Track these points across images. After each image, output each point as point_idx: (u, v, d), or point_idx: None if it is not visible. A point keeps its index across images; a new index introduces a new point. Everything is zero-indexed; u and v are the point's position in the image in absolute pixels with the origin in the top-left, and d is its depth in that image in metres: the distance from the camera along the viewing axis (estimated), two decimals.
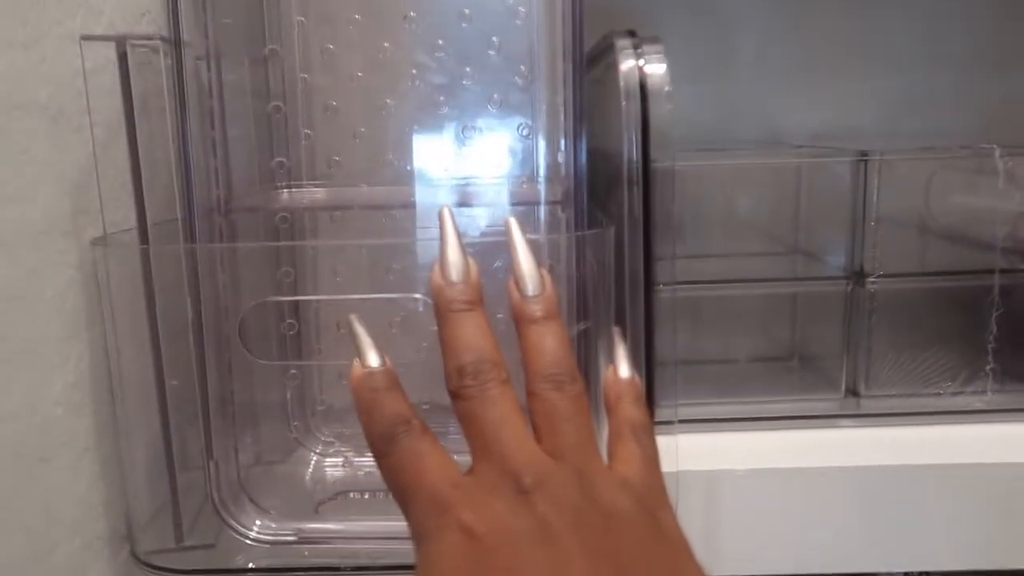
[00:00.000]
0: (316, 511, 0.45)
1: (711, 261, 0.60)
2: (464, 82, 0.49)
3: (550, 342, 0.29)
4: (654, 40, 0.38)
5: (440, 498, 0.26)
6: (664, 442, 0.40)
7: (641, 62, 0.37)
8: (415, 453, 0.27)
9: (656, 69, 0.36)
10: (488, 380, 0.28)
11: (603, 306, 0.41)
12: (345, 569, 0.41)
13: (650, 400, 0.43)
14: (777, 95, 0.75)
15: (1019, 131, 0.71)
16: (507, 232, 0.30)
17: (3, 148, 0.35)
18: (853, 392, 0.55)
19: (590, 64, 0.45)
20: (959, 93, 0.73)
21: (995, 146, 0.53)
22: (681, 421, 0.46)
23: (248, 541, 0.42)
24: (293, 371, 0.50)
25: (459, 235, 0.30)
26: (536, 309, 0.29)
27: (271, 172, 0.49)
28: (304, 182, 0.50)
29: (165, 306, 0.41)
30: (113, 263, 0.39)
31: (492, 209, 0.48)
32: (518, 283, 0.30)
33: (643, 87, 0.36)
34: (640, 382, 0.32)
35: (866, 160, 0.53)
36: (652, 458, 0.29)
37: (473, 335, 0.28)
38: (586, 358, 0.41)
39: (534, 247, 0.31)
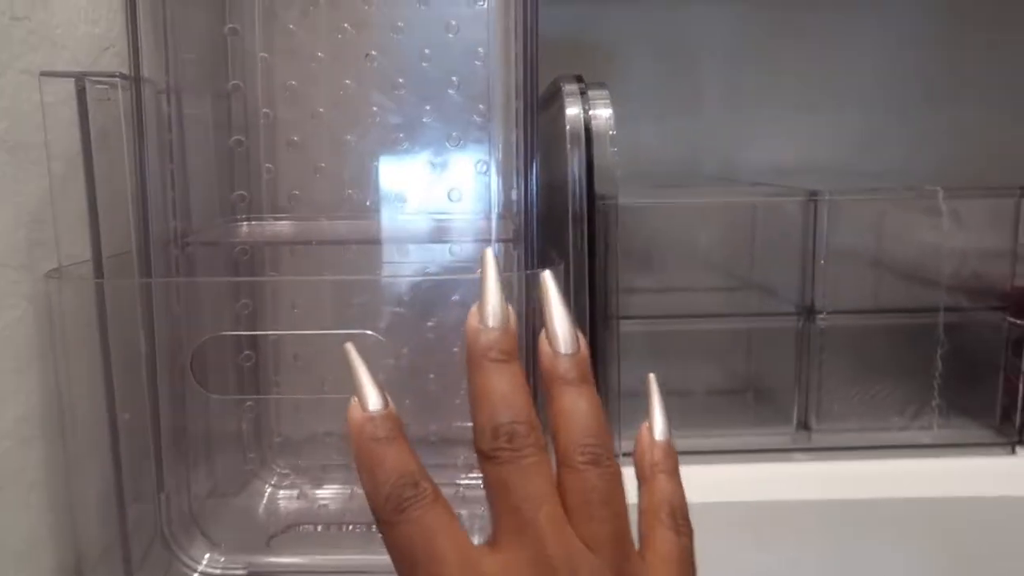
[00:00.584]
0: (268, 544, 0.45)
1: (669, 295, 0.61)
2: (424, 119, 0.50)
3: (584, 408, 0.27)
4: (600, 86, 0.39)
5: None
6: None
7: (587, 107, 0.39)
8: (427, 528, 0.24)
9: (601, 113, 0.38)
10: (525, 446, 0.25)
11: None
12: None
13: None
14: (740, 132, 0.77)
15: (970, 165, 0.74)
16: (543, 287, 0.28)
17: None
18: (805, 426, 0.56)
19: (544, 105, 0.47)
20: (913, 129, 0.76)
21: (939, 188, 0.54)
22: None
23: (196, 575, 0.42)
24: (249, 403, 0.50)
25: (500, 280, 0.28)
26: (570, 369, 0.27)
27: (232, 205, 0.50)
28: (265, 215, 0.50)
29: (118, 339, 0.41)
30: (67, 296, 0.40)
31: (452, 245, 0.49)
32: (551, 341, 0.27)
33: (588, 131, 0.37)
34: (674, 447, 0.30)
35: (816, 200, 0.55)
36: (687, 550, 0.28)
37: (511, 391, 0.26)
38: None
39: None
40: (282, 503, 0.49)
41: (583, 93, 0.39)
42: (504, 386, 0.26)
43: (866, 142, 0.77)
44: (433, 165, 0.50)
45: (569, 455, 0.26)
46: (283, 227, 0.50)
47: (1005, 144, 0.74)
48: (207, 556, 0.43)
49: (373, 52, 0.50)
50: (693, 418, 0.59)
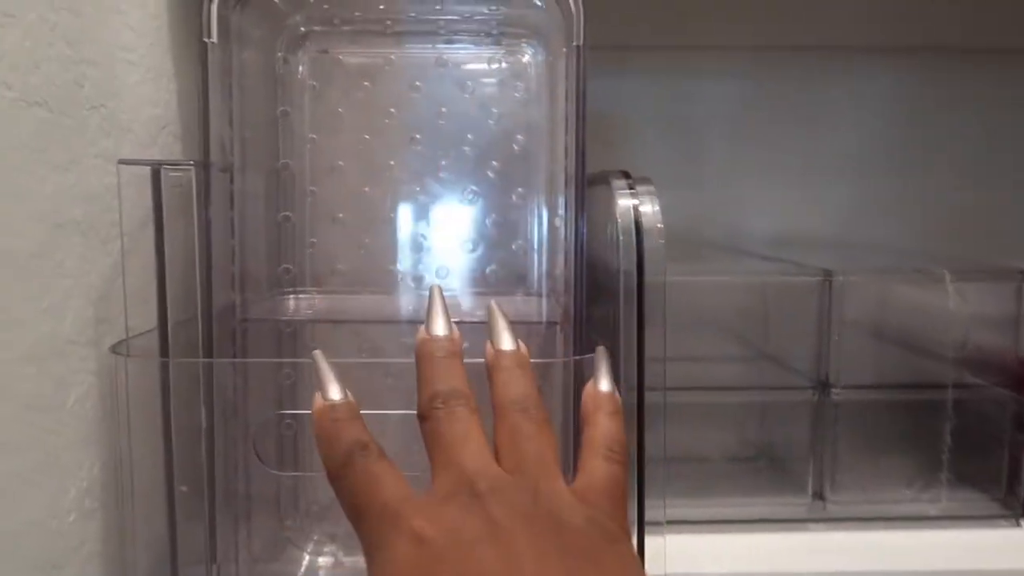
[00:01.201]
0: None
1: (685, 364, 0.63)
2: (464, 200, 0.52)
3: (518, 378, 0.30)
4: (645, 180, 0.42)
5: (392, 509, 0.26)
6: (653, 543, 0.42)
7: (635, 201, 0.41)
8: (371, 474, 0.27)
9: (649, 208, 0.40)
10: (457, 406, 0.28)
11: None
12: None
13: (640, 501, 0.45)
14: (742, 202, 0.81)
15: (948, 226, 0.79)
16: (489, 312, 0.31)
17: (43, 266, 0.37)
18: (820, 496, 0.58)
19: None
20: (893, 198, 0.81)
21: (945, 271, 0.58)
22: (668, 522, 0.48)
23: None
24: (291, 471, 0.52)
25: (446, 308, 0.31)
26: (508, 358, 0.30)
27: (278, 277, 0.52)
28: (308, 288, 0.52)
29: (180, 412, 0.42)
30: (132, 370, 0.41)
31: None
32: (493, 343, 0.31)
33: (638, 224, 0.40)
34: (619, 397, 0.32)
35: (831, 280, 0.58)
36: (617, 477, 0.29)
37: (449, 372, 0.29)
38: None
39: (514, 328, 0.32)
40: (321, 572, 0.50)
41: (631, 188, 0.42)
42: (443, 369, 0.29)
43: (857, 209, 0.81)
44: (474, 244, 0.52)
45: (501, 409, 0.29)
46: (327, 301, 0.52)
47: (980, 208, 0.79)
48: None
49: (417, 135, 0.52)
50: (710, 486, 0.61)
